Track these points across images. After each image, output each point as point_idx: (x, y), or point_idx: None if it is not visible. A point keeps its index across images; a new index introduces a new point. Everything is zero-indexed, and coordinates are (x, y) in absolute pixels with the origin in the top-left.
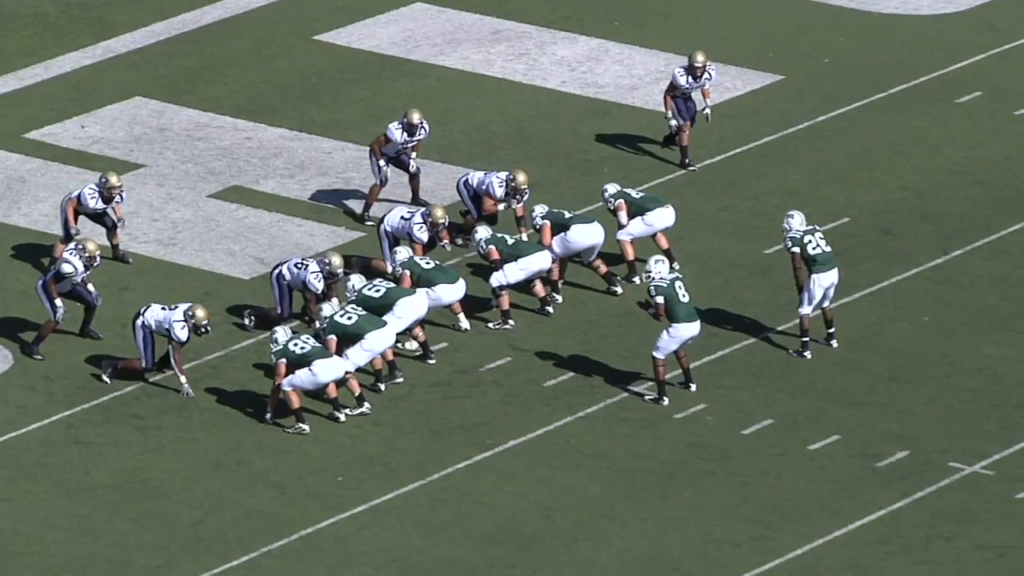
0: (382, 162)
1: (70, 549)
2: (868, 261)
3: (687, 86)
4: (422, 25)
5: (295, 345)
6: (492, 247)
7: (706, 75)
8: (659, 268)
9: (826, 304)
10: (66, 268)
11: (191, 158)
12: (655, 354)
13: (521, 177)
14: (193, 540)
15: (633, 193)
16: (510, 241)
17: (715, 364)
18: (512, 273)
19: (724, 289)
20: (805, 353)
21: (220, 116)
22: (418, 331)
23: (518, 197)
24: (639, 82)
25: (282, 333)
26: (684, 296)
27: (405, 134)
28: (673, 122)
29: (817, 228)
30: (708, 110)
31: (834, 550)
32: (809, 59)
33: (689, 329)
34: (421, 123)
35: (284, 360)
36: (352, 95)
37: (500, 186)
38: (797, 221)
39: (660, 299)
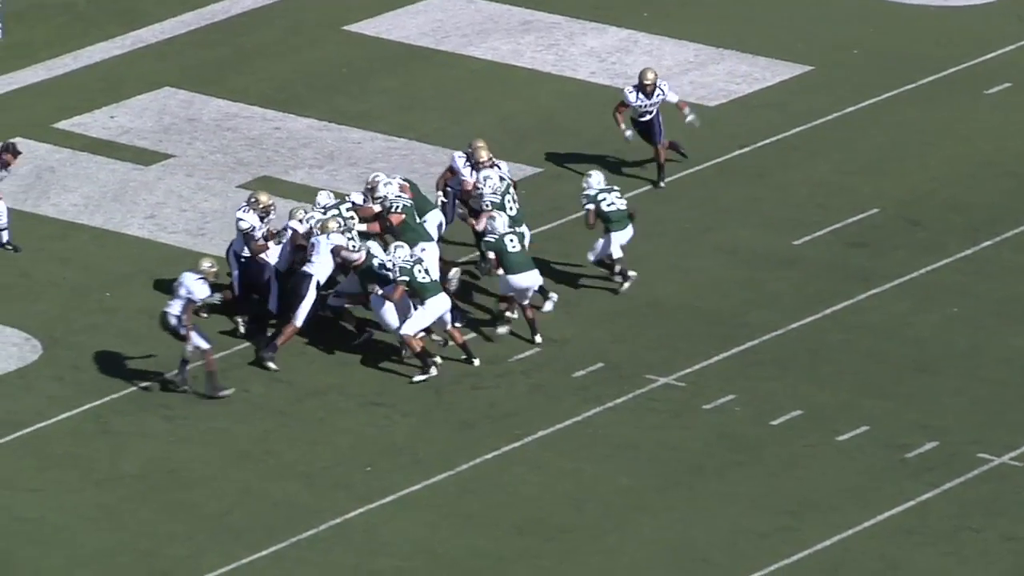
0: (449, 201)
1: (98, 539)
2: (897, 252)
3: (638, 104)
4: (451, 15)
5: (419, 271)
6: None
7: (658, 92)
8: (494, 224)
9: (619, 255)
10: (242, 225)
11: (220, 148)
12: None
13: (479, 143)
14: (221, 530)
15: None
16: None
17: (744, 355)
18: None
19: (752, 280)
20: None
21: (249, 106)
22: (456, 334)
23: (480, 166)
24: (668, 72)
25: (404, 250)
26: (515, 247)
27: (470, 168)
28: (628, 133)
29: (615, 188)
30: (692, 117)
31: (862, 541)
32: (838, 50)
33: (524, 279)
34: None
35: (405, 281)
36: (381, 85)
37: (462, 159)
38: (595, 180)
39: (491, 254)
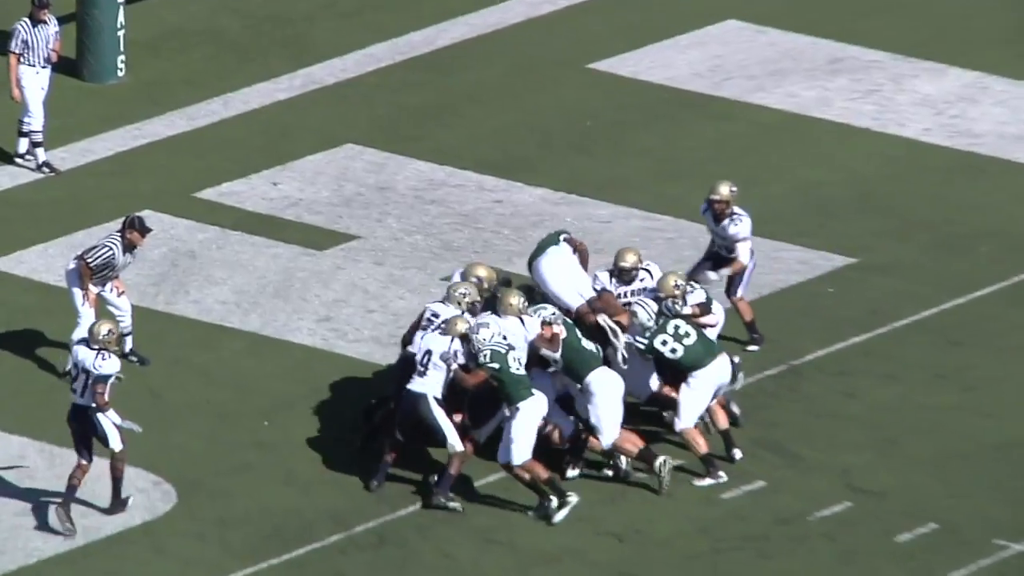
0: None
1: None
2: None
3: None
4: (735, 50)
5: (514, 360)
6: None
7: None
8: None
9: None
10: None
11: (420, 227)
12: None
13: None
14: None
15: (659, 342)
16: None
17: None
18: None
19: None
20: None
21: (460, 171)
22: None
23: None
24: None
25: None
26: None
27: (615, 281)
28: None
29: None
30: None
31: None
32: None
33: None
34: (636, 269)
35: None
36: (638, 144)
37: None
38: (643, 315)
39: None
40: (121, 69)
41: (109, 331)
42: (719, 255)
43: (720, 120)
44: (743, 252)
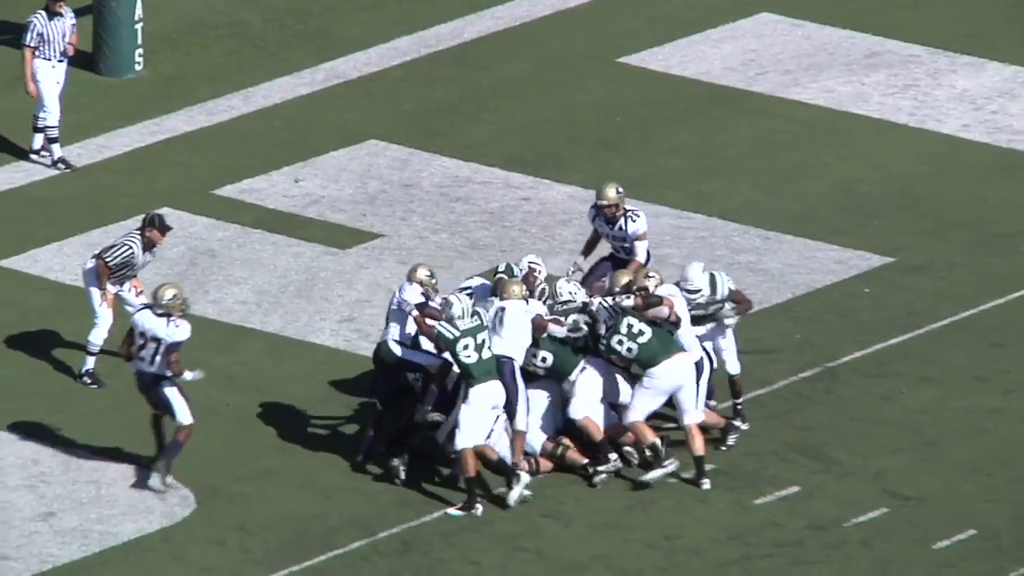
0: None
1: None
2: None
3: (598, 228)
4: (770, 44)
5: (467, 347)
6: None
7: (620, 224)
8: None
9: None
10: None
11: (446, 225)
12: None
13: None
14: None
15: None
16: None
17: None
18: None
19: None
20: None
21: (487, 167)
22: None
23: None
24: None
25: (457, 305)
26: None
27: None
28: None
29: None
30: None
31: None
32: None
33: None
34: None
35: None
36: (670, 140)
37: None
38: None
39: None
40: (139, 63)
41: (174, 295)
42: (616, 257)
43: (754, 116)
44: (641, 250)
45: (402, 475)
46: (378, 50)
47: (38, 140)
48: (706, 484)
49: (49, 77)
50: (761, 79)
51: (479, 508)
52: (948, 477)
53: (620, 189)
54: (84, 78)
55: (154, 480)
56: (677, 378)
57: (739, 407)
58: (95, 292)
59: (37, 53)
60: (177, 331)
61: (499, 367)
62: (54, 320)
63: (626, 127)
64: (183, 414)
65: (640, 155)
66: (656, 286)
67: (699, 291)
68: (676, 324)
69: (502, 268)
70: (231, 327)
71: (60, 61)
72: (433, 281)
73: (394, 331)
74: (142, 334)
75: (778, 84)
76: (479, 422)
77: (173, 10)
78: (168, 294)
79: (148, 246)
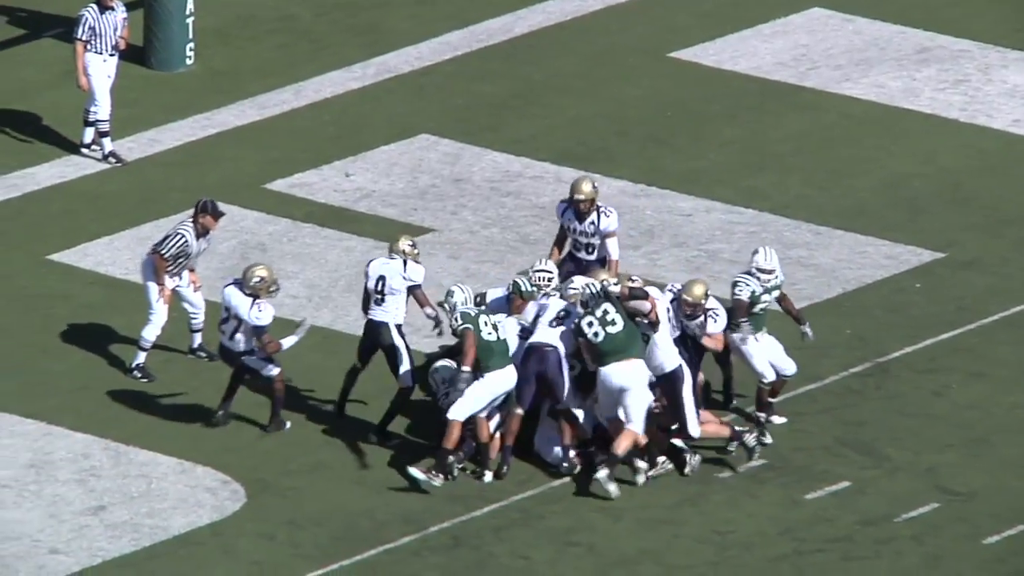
0: None
1: None
2: None
3: (566, 224)
4: (821, 39)
5: (486, 325)
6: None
7: (592, 218)
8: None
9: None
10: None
11: (496, 220)
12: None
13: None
14: None
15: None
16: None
17: None
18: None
19: None
20: None
21: (537, 162)
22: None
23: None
24: None
25: (459, 293)
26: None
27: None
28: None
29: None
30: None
31: None
32: None
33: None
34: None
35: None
36: (720, 135)
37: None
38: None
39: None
40: (190, 57)
41: (261, 278)
42: (575, 256)
43: (805, 111)
44: (614, 247)
45: (455, 472)
46: (429, 44)
47: (89, 134)
48: (612, 487)
49: (100, 71)
50: (812, 74)
51: (439, 480)
52: (998, 472)
53: (596, 184)
54: (135, 72)
55: (272, 427)
56: (623, 380)
57: (760, 416)
58: (152, 287)
59: (88, 47)
60: (261, 315)
61: (544, 356)
62: (104, 314)
63: (676, 122)
64: (268, 370)
65: (691, 150)
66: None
67: (772, 271)
68: (653, 326)
69: (510, 289)
70: (282, 321)
71: (111, 55)
72: (416, 251)
73: (394, 313)
74: (227, 308)
75: (829, 79)
76: (484, 401)
77: (224, 4)
78: (257, 275)
79: (202, 233)
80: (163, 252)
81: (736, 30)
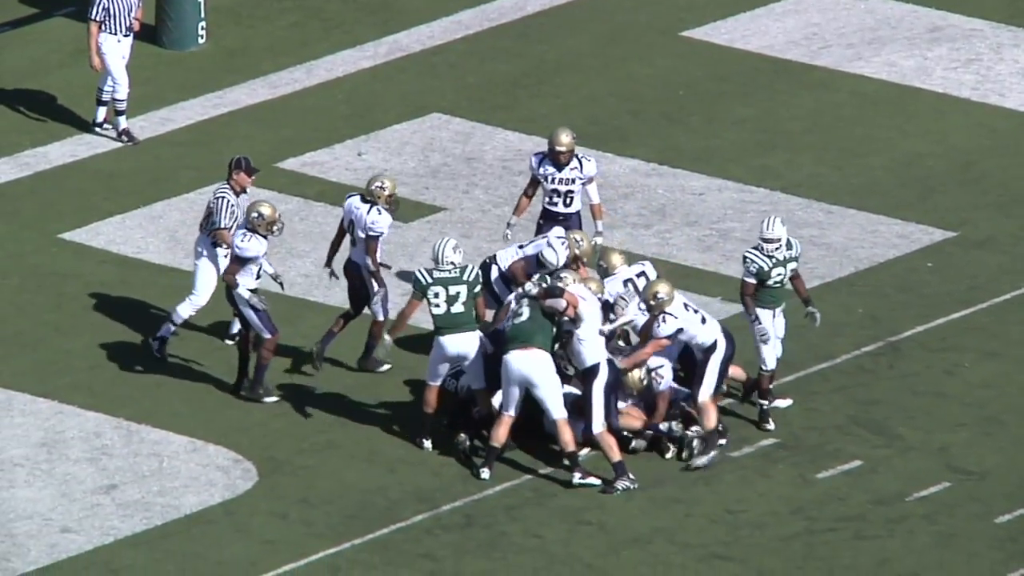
0: None
1: None
2: None
3: (543, 173)
4: (833, 18)
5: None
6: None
7: (574, 165)
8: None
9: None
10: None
11: (509, 199)
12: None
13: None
14: None
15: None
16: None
17: None
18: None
19: None
20: None
21: None
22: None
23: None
24: None
25: (438, 246)
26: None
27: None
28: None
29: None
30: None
31: None
32: None
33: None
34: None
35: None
36: (733, 114)
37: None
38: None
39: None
40: (202, 36)
41: (259, 215)
42: (552, 211)
43: (817, 90)
44: (595, 192)
45: (467, 449)
46: (441, 23)
47: (101, 113)
48: (576, 475)
49: (115, 51)
50: (824, 53)
51: (428, 443)
52: (1010, 451)
53: (575, 135)
54: (147, 51)
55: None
56: (524, 368)
57: (762, 404)
58: (205, 267)
59: (103, 28)
60: (243, 244)
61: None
62: (117, 293)
63: (689, 101)
64: (264, 331)
65: (703, 129)
66: (568, 285)
67: (777, 240)
68: (575, 322)
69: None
70: (293, 300)
71: (126, 36)
72: (386, 192)
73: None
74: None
75: (841, 58)
76: (441, 365)
77: None
78: (256, 211)
79: (239, 191)
80: (221, 225)
81: (748, 9)
